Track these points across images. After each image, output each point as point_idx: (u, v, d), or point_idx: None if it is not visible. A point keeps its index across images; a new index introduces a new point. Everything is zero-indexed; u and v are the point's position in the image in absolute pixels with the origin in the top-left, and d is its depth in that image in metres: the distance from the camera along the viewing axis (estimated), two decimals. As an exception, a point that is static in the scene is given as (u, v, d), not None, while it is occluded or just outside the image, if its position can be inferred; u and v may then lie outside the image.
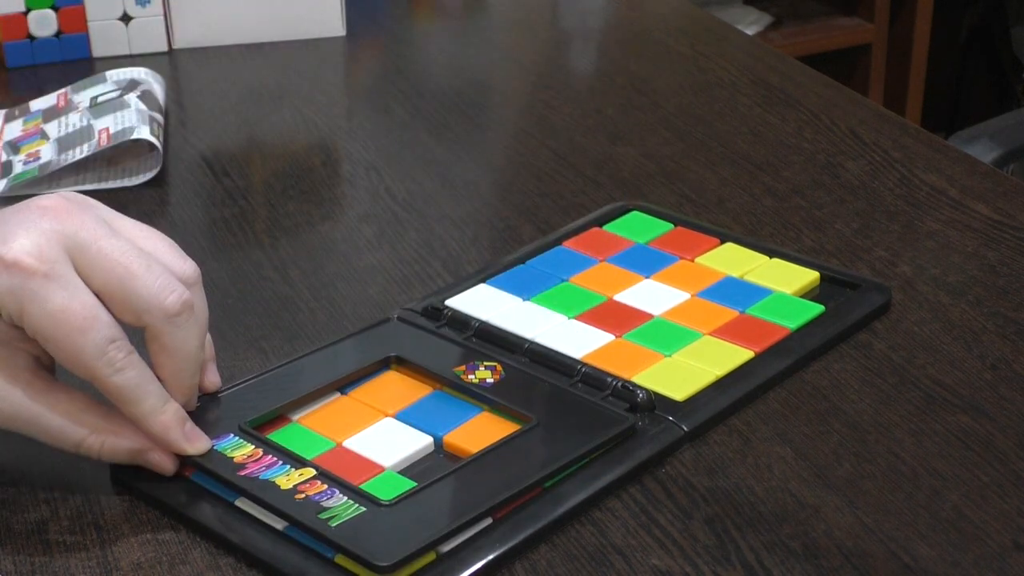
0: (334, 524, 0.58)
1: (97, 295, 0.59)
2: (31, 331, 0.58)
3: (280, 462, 0.62)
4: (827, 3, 2.51)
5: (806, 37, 2.41)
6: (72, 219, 0.59)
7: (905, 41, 2.49)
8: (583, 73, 1.17)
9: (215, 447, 0.63)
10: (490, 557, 0.58)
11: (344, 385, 0.69)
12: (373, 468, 0.63)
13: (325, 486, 0.61)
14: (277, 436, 0.65)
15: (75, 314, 0.57)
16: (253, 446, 0.63)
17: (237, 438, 0.64)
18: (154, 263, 0.60)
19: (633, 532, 0.61)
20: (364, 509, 0.59)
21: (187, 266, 0.62)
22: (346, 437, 0.65)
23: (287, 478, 0.61)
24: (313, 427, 0.66)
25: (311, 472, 0.62)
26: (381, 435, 0.65)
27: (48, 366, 0.62)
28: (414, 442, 0.65)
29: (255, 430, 0.65)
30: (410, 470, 0.63)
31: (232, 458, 0.63)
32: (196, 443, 0.62)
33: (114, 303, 0.59)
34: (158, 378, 0.61)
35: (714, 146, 0.98)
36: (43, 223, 0.58)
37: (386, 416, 0.67)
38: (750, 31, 2.32)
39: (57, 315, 0.57)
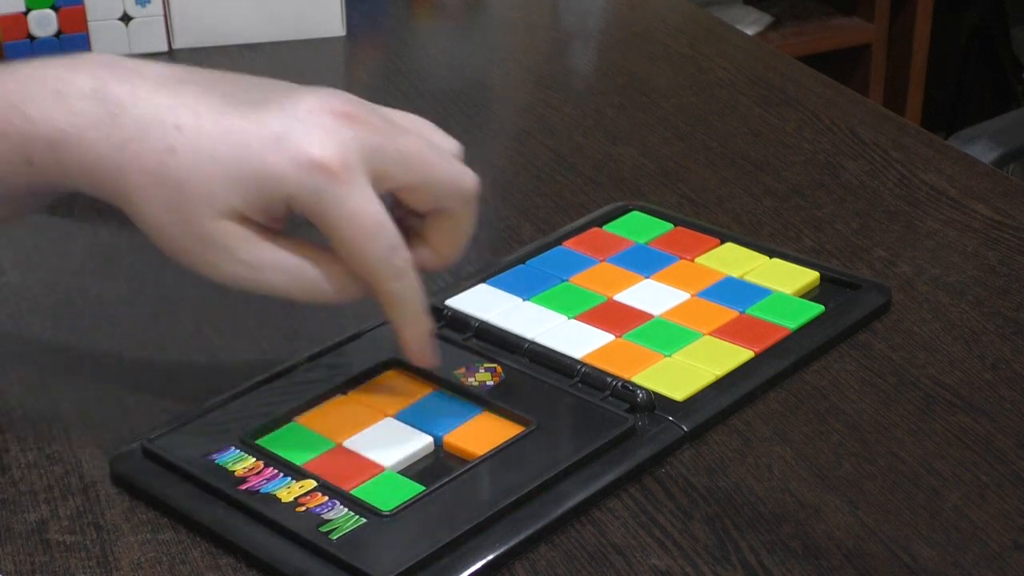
0: (334, 537, 0.58)
1: (401, 190, 0.63)
2: (325, 229, 0.61)
3: (281, 474, 0.62)
4: (827, 3, 2.51)
5: (806, 37, 2.41)
6: (366, 126, 0.62)
7: (905, 41, 2.49)
8: (583, 73, 1.17)
9: (216, 461, 0.63)
10: (490, 557, 0.58)
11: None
12: (373, 468, 0.63)
13: (326, 498, 0.61)
14: (277, 437, 0.65)
15: (368, 219, 0.61)
16: (254, 459, 0.63)
17: (238, 451, 0.64)
18: (443, 152, 0.65)
19: (633, 532, 0.61)
20: (364, 520, 0.59)
21: (455, 144, 0.67)
22: (346, 437, 0.65)
23: (288, 491, 0.61)
24: (313, 427, 0.66)
25: (312, 484, 0.62)
26: (381, 435, 0.65)
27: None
28: (414, 442, 0.65)
29: (256, 440, 0.65)
30: (410, 470, 0.63)
31: (233, 472, 0.63)
32: (429, 358, 0.66)
33: (415, 194, 0.63)
34: (436, 255, 0.66)
35: (714, 146, 0.98)
36: (344, 131, 0.61)
37: (386, 416, 0.67)
38: (750, 31, 2.32)
39: (351, 218, 0.61)
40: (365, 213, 0.61)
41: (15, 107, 0.61)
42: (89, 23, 1.14)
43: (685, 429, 0.66)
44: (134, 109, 0.61)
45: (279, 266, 0.62)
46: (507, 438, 0.65)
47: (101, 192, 0.62)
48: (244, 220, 0.61)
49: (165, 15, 1.16)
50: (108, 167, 0.61)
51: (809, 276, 0.78)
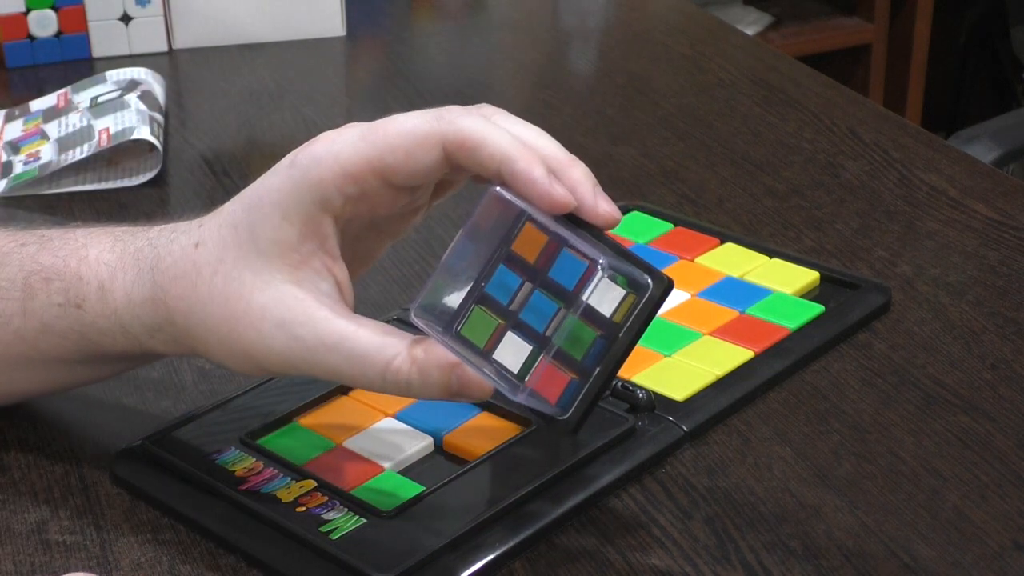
0: (335, 537, 0.58)
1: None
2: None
3: (281, 475, 0.62)
4: (827, 3, 2.51)
5: (806, 37, 2.41)
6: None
7: (905, 41, 2.49)
8: (583, 73, 1.17)
9: (216, 461, 0.63)
10: (490, 557, 0.58)
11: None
12: (373, 468, 0.63)
13: (326, 498, 0.61)
14: (277, 437, 0.65)
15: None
16: (254, 459, 0.63)
17: (238, 451, 0.64)
18: None
19: (633, 532, 0.61)
20: (364, 521, 0.59)
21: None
22: (346, 437, 0.65)
23: (288, 491, 0.61)
24: (313, 427, 0.66)
25: (312, 484, 0.62)
26: (381, 435, 0.65)
27: (348, 301, 0.60)
28: (414, 442, 0.65)
29: (256, 440, 0.65)
30: (410, 470, 0.63)
31: (233, 472, 0.63)
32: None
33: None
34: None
35: (714, 146, 0.98)
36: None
37: (386, 416, 0.67)
38: (750, 31, 2.32)
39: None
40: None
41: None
42: (89, 23, 1.14)
43: (685, 429, 0.66)
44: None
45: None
46: (507, 438, 0.65)
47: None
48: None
49: (165, 15, 1.16)
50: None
51: (809, 276, 0.78)
